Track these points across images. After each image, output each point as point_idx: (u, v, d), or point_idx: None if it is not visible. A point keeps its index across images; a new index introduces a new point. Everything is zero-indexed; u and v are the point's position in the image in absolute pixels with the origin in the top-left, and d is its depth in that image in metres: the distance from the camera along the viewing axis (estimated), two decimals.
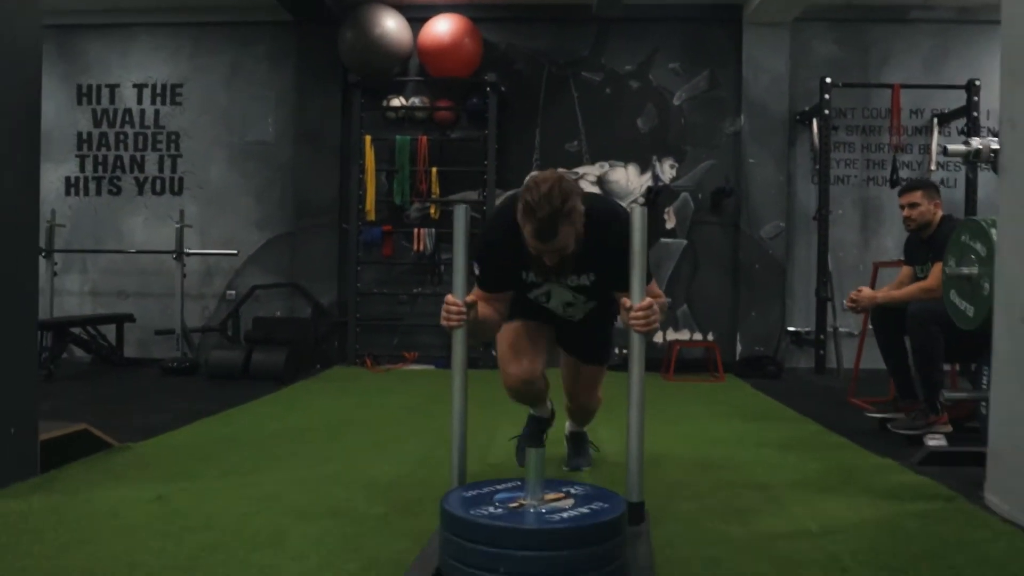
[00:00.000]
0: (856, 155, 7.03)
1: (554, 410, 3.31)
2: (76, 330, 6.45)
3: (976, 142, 3.14)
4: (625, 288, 2.32)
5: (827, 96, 6.47)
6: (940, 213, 4.04)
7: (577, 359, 3.08)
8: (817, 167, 6.67)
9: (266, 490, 2.92)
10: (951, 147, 3.21)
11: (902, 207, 4.08)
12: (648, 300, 2.26)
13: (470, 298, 2.35)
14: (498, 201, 6.65)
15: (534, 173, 2.32)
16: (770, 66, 6.88)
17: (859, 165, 7.01)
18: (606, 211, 2.61)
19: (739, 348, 6.82)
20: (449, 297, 2.30)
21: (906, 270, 4.26)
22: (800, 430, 4.26)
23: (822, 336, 6.51)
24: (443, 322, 2.30)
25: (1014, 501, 2.63)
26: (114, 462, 3.32)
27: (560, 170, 2.54)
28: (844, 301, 4.53)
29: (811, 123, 6.77)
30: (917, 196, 4.00)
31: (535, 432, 3.25)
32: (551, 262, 2.51)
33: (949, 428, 3.79)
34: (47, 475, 3.05)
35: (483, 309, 2.54)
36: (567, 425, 3.38)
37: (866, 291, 4.13)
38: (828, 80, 6.47)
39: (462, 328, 2.29)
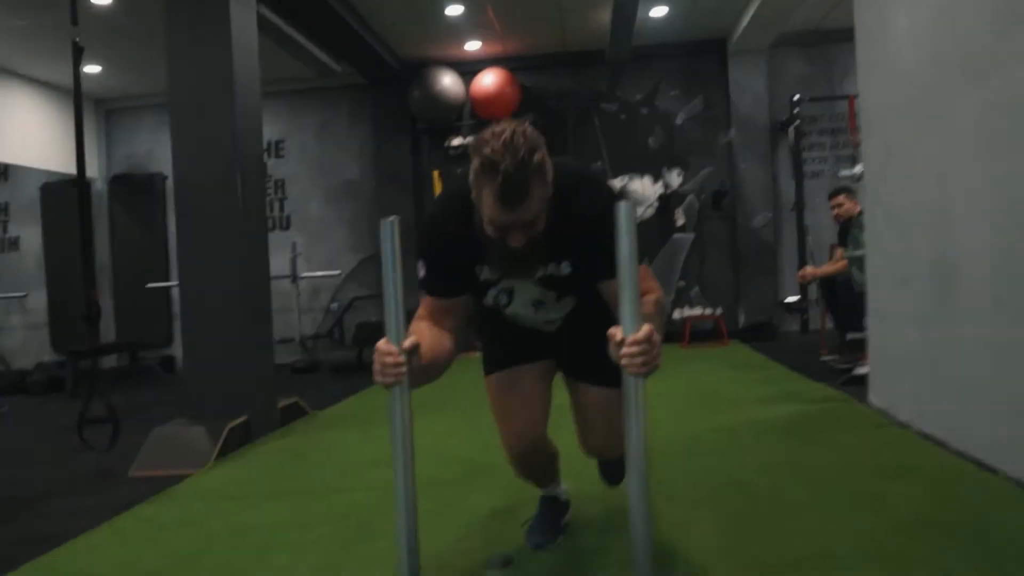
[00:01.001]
0: (827, 153, 8.65)
1: (569, 499, 2.63)
2: None
3: (859, 168, 4.83)
4: (610, 274, 1.70)
5: (797, 109, 8.13)
6: (858, 208, 5.71)
7: (579, 382, 2.30)
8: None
9: (421, 437, 4.74)
10: (842, 173, 4.90)
11: (831, 207, 5.76)
12: (646, 329, 1.60)
13: (408, 342, 1.70)
14: None
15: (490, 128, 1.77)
16: (752, 86, 8.53)
17: (830, 161, 8.64)
18: (576, 175, 1.95)
19: (742, 318, 8.51)
20: (381, 344, 1.69)
21: (839, 251, 5.94)
22: (774, 372, 5.97)
23: (804, 304, 8.17)
24: (376, 378, 1.69)
25: (880, 397, 4.33)
26: (317, 421, 5.18)
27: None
28: (795, 276, 6.23)
29: (789, 131, 8.41)
30: (841, 199, 5.68)
31: (548, 518, 2.52)
32: (517, 242, 1.81)
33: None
34: (285, 427, 4.91)
35: (429, 338, 1.89)
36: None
37: (808, 269, 5.83)
38: (796, 97, 8.12)
39: (402, 384, 1.69)
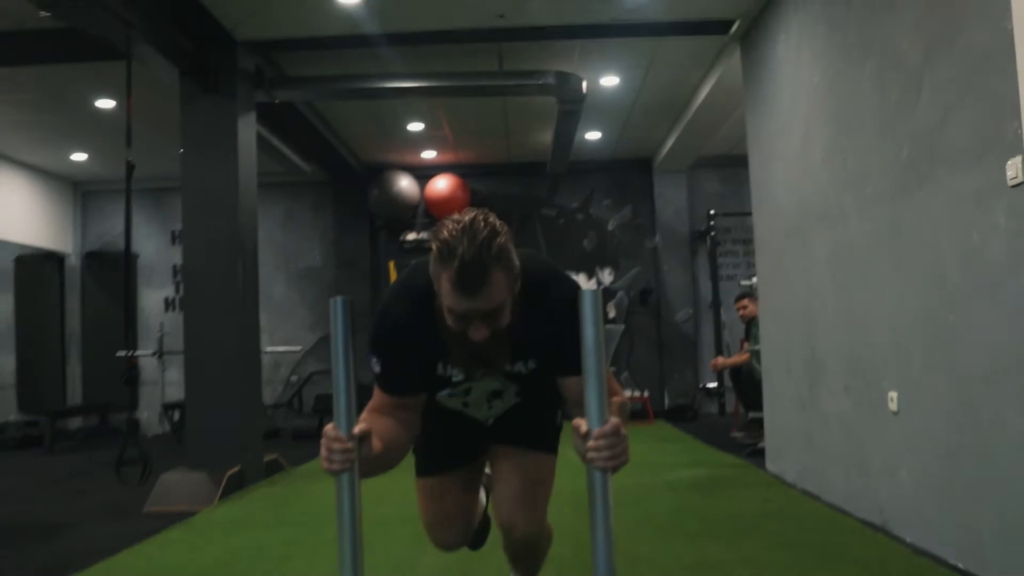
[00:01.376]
0: (739, 259, 9.87)
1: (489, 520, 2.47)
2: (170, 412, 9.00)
3: (755, 278, 5.92)
4: (574, 370, 1.57)
5: (712, 222, 9.36)
6: (758, 310, 6.80)
7: (506, 447, 2.18)
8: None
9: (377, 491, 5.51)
10: (743, 282, 5.98)
11: (737, 309, 6.84)
12: (614, 422, 1.46)
13: (359, 428, 1.52)
14: None
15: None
16: (674, 200, 9.76)
17: (742, 266, 9.84)
18: (543, 270, 1.87)
19: (667, 401, 9.51)
20: (328, 429, 1.50)
21: (745, 344, 7.01)
22: (692, 446, 6.92)
23: (721, 389, 9.23)
24: (324, 464, 1.49)
25: (774, 464, 5.31)
26: (295, 474, 5.90)
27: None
28: (709, 364, 7.27)
29: (706, 239, 9.62)
30: (745, 301, 6.77)
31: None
32: (479, 337, 1.67)
33: None
34: (270, 478, 5.62)
35: (382, 427, 1.76)
36: None
37: (719, 360, 6.89)
38: (712, 211, 9.36)
39: (349, 472, 1.49)
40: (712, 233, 9.42)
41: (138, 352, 9.60)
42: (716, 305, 9.40)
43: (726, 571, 3.12)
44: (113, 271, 10.03)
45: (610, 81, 6.74)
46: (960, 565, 3.01)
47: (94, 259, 10.15)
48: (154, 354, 9.47)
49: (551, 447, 2.17)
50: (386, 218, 9.77)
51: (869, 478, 3.80)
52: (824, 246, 4.29)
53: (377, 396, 1.89)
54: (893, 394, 3.54)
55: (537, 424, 2.15)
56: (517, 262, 1.66)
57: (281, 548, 3.67)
